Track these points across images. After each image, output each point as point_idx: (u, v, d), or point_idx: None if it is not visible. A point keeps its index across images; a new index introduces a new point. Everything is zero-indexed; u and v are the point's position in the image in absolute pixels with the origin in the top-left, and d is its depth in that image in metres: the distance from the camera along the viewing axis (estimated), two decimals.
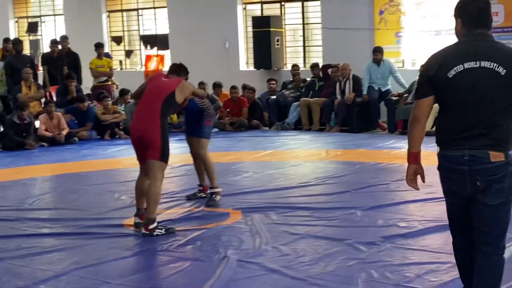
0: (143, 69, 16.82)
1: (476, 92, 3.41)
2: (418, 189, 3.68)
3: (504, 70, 3.37)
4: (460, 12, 3.55)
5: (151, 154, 5.69)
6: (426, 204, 6.49)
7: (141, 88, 6.10)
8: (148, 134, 5.71)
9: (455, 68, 3.42)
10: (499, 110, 3.42)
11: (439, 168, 3.58)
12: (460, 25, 3.54)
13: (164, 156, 5.73)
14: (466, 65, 3.41)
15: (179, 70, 6.28)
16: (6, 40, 14.10)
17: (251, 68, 15.34)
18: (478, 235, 3.55)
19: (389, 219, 6.00)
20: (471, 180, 3.46)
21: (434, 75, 3.46)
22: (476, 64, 3.40)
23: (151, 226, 5.69)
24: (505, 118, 3.44)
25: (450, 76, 3.43)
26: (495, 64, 3.38)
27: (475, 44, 3.47)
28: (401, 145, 10.44)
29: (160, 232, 5.71)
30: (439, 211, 5.93)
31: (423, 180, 3.65)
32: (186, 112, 7.01)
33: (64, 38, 13.90)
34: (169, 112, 6.05)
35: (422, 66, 3.50)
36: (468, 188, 3.48)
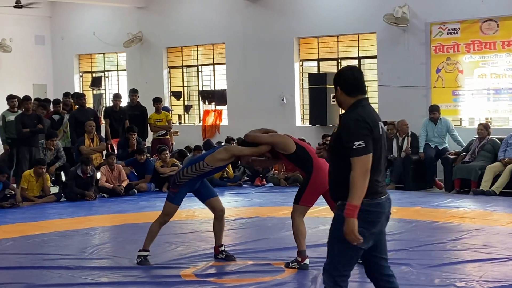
0: (201, 123, 17.15)
1: (385, 146, 4.10)
2: (362, 242, 3.98)
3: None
4: (344, 82, 4.13)
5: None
6: (485, 264, 6.40)
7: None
8: None
9: (379, 126, 4.04)
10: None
11: (368, 215, 3.99)
12: (341, 92, 4.12)
13: None
14: (381, 124, 4.07)
15: None
16: (66, 94, 14.65)
17: (307, 124, 15.49)
18: (380, 262, 4.22)
19: (446, 278, 5.94)
20: (387, 218, 4.16)
21: (373, 133, 3.99)
22: (381, 124, 4.07)
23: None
24: None
25: (380, 133, 4.04)
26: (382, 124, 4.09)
27: (372, 108, 4.13)
28: (459, 204, 10.35)
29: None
30: (498, 271, 5.86)
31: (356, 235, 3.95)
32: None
33: (133, 92, 14.30)
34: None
35: (360, 124, 4.00)
36: (382, 226, 4.13)
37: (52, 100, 14.68)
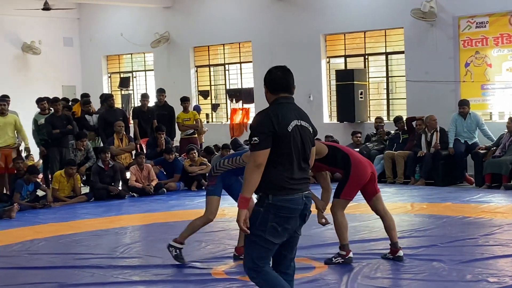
0: (229, 122, 17.19)
1: (300, 145, 4.21)
2: (248, 232, 4.18)
3: (312, 129, 4.30)
4: (267, 80, 4.34)
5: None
6: None
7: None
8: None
9: (291, 123, 4.18)
10: (309, 158, 4.29)
11: (278, 210, 4.16)
12: (266, 90, 4.35)
13: None
14: (296, 122, 4.21)
15: None
16: (85, 95, 14.70)
17: (334, 121, 15.44)
18: (284, 260, 4.38)
19: (478, 274, 5.90)
20: (303, 216, 4.26)
21: (276, 130, 4.13)
22: (298, 122, 4.22)
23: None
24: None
25: (289, 130, 4.16)
26: (306, 123, 4.26)
27: (290, 106, 4.28)
28: (489, 199, 10.26)
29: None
30: None
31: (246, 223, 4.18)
32: None
33: (160, 92, 14.37)
34: None
35: (263, 121, 4.22)
36: (296, 223, 4.24)
37: (80, 100, 14.77)
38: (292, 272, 4.43)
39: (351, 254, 6.47)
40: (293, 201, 4.19)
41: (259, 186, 4.17)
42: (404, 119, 13.35)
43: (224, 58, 17.61)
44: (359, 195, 6.58)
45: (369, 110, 15.09)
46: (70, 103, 14.76)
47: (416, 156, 12.39)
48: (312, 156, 4.36)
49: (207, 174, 6.87)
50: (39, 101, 13.32)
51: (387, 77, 14.91)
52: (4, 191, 11.88)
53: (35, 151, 13.79)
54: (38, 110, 13.30)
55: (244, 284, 5.95)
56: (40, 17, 18.16)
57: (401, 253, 6.58)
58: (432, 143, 12.35)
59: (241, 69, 17.28)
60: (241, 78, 17.30)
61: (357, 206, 8.62)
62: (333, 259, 6.47)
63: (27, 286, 6.19)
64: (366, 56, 15.11)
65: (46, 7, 16.70)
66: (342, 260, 6.42)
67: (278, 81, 4.31)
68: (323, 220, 6.35)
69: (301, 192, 4.23)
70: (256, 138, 4.12)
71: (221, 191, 6.72)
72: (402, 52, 14.38)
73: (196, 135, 14.51)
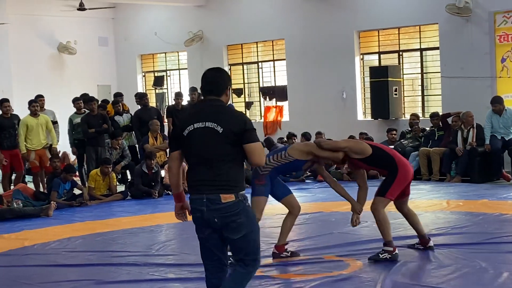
0: (262, 120, 17.21)
1: (203, 147, 4.23)
2: (186, 220, 4.49)
3: (222, 129, 4.19)
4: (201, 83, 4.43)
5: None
6: None
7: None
8: None
9: (188, 127, 4.26)
10: (222, 160, 4.20)
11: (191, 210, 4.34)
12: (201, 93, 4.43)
13: None
14: (196, 125, 4.25)
15: None
16: (119, 94, 14.82)
17: (369, 118, 15.36)
18: (236, 259, 4.36)
19: None
20: (209, 218, 4.22)
21: (178, 133, 4.31)
22: (202, 124, 4.23)
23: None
24: (229, 166, 4.21)
25: (185, 134, 4.27)
26: (214, 124, 4.20)
27: (203, 108, 4.36)
28: None
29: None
30: None
31: (189, 213, 4.38)
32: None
33: (193, 91, 14.38)
34: None
35: (176, 125, 4.48)
36: (208, 224, 4.24)
37: (112, 100, 14.89)
38: (229, 276, 4.39)
39: (397, 250, 6.43)
40: (193, 201, 4.30)
41: None
42: (440, 116, 13.21)
43: (258, 56, 17.63)
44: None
45: (404, 107, 14.98)
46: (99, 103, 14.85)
47: (452, 153, 12.27)
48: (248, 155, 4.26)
49: (252, 174, 6.81)
50: (75, 100, 13.50)
51: (422, 73, 14.79)
52: (41, 190, 12.08)
53: (70, 150, 13.96)
54: (74, 109, 13.47)
55: (279, 282, 5.96)
56: (75, 18, 18.37)
57: (431, 243, 6.70)
58: (469, 139, 12.21)
59: (274, 67, 17.28)
60: (275, 76, 17.30)
61: (393, 203, 8.55)
62: (379, 255, 6.40)
63: (64, 283, 6.28)
64: (401, 53, 15.00)
65: (82, 8, 16.91)
66: (390, 256, 6.37)
67: (201, 85, 4.43)
68: (357, 221, 6.51)
69: (200, 194, 4.26)
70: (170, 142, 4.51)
71: (269, 191, 6.61)
72: (437, 48, 14.24)
73: None
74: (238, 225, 4.22)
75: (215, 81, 4.41)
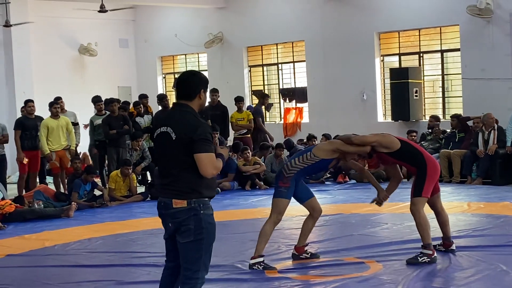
0: (282, 121, 17.20)
1: (162, 152, 4.34)
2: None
3: (175, 135, 4.24)
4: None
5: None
6: None
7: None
8: None
9: (156, 131, 4.37)
10: (177, 166, 4.25)
11: None
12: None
13: None
14: (161, 129, 4.32)
15: None
16: (144, 96, 14.83)
17: (389, 119, 15.30)
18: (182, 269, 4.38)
19: None
20: (165, 221, 4.37)
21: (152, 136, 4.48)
22: (164, 129, 4.30)
23: None
24: (184, 172, 4.24)
25: (154, 137, 4.41)
26: (170, 129, 4.25)
27: (169, 112, 4.46)
28: None
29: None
30: None
31: None
32: None
33: (213, 92, 14.36)
34: None
35: None
36: (166, 226, 4.37)
37: (133, 101, 14.96)
38: (183, 279, 4.40)
39: (435, 254, 6.37)
40: (157, 204, 4.45)
41: None
42: (459, 118, 13.10)
43: (278, 57, 17.64)
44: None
45: (424, 109, 14.90)
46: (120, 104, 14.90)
47: (473, 155, 12.18)
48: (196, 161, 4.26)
49: (276, 175, 6.78)
50: (96, 101, 13.57)
51: (443, 75, 14.70)
52: (62, 191, 12.16)
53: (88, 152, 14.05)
54: (95, 111, 13.55)
55: (299, 283, 5.96)
56: (96, 19, 18.48)
57: (454, 246, 6.69)
58: (490, 141, 12.11)
59: (294, 68, 17.28)
60: (295, 78, 17.30)
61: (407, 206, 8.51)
62: (418, 258, 6.32)
63: (85, 283, 6.32)
64: (421, 54, 14.93)
65: (102, 9, 17.02)
66: (429, 259, 6.29)
67: (176, 89, 4.45)
68: (378, 203, 6.72)
69: (161, 197, 4.39)
70: None
71: (292, 194, 6.57)
72: (458, 50, 14.16)
73: (249, 135, 14.54)
74: (186, 230, 4.28)
75: (186, 86, 4.38)
